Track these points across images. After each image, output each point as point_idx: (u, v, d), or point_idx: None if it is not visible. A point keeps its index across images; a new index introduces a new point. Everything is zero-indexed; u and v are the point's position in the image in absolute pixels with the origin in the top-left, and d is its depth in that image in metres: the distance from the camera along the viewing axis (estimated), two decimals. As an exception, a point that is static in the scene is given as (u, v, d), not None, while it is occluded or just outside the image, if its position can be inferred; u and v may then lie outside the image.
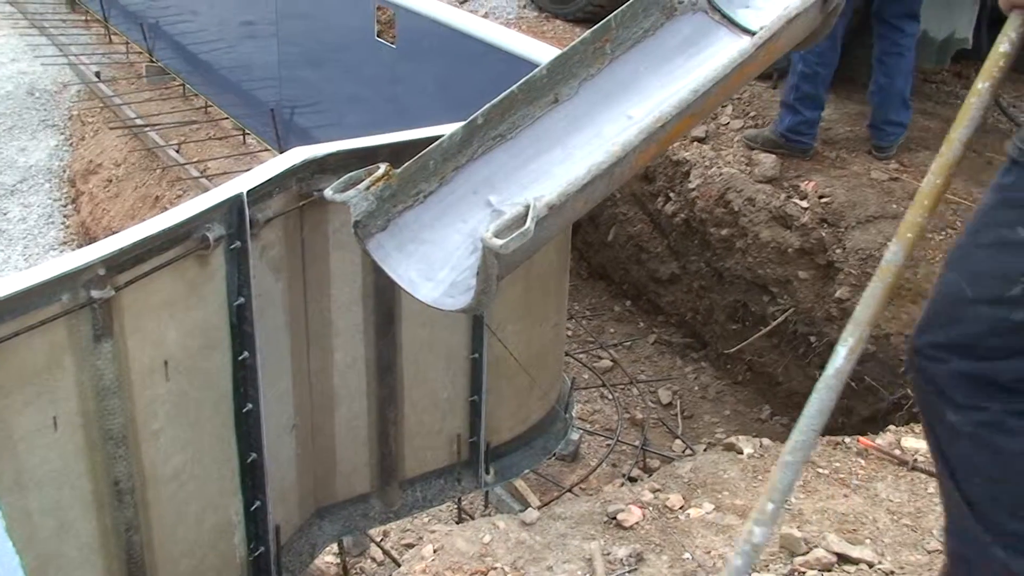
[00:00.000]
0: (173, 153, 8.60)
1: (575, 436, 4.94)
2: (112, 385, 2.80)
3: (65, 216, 9.47)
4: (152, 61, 10.34)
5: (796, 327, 5.11)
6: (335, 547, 4.36)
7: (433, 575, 2.44)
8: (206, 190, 7.93)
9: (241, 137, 8.86)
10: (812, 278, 4.99)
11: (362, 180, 2.95)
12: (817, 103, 5.35)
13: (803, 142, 5.38)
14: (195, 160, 8.49)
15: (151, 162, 8.82)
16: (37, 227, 9.26)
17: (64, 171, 9.95)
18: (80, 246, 9.02)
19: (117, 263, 2.71)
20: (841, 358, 2.17)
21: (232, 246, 3.08)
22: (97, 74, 10.50)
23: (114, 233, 7.03)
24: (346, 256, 3.56)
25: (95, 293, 2.65)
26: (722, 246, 5.43)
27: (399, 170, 2.98)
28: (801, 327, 5.08)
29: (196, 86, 9.68)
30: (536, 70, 3.25)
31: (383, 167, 2.97)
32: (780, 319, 5.10)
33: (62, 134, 10.43)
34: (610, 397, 5.58)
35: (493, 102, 3.16)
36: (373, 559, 4.51)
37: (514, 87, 3.20)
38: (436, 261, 2.99)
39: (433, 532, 2.74)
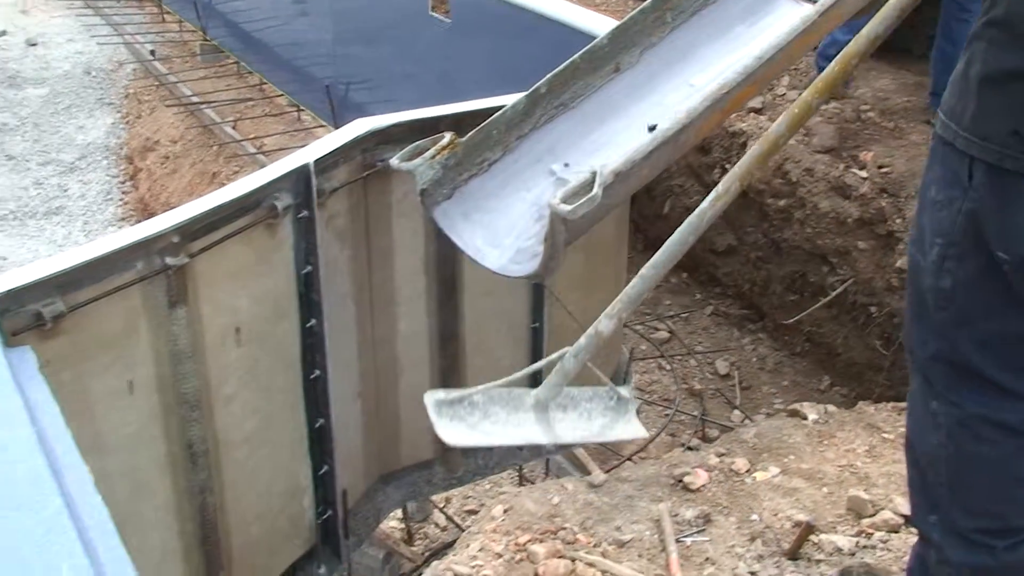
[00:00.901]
0: (229, 130, 8.70)
1: (635, 406, 4.96)
2: (186, 350, 2.86)
3: (123, 193, 9.61)
4: (206, 40, 10.45)
5: (856, 297, 5.08)
6: (399, 512, 4.42)
7: (503, 534, 2.48)
8: (262, 166, 8.03)
9: (296, 114, 8.94)
10: (872, 248, 4.96)
11: (427, 149, 2.99)
12: (850, 29, 5.23)
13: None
14: (251, 136, 8.58)
15: (207, 139, 8.93)
16: (96, 203, 9.41)
17: (121, 148, 10.10)
18: (139, 222, 9.15)
19: (190, 231, 2.76)
20: (707, 201, 2.58)
21: (300, 215, 3.13)
22: (152, 52, 10.63)
23: (173, 209, 7.11)
24: (409, 225, 3.60)
25: (169, 260, 2.72)
26: (780, 217, 5.41)
27: (464, 139, 3.02)
28: (861, 297, 5.05)
29: (250, 64, 9.76)
30: (597, 39, 3.27)
31: (448, 136, 3.00)
32: (839, 289, 5.08)
33: (118, 112, 10.59)
34: (667, 368, 5.60)
35: (555, 71, 3.18)
36: (436, 524, 4.58)
37: (576, 56, 3.22)
38: (501, 229, 3.02)
39: (503, 493, 2.77)
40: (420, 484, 4.14)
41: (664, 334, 5.90)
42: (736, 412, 5.24)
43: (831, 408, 3.11)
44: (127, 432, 2.80)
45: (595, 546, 2.45)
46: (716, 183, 5.86)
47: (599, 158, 3.13)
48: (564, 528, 2.51)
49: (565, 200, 2.51)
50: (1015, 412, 1.79)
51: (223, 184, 8.49)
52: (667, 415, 5.17)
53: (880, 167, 5.10)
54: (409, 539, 4.51)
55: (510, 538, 2.48)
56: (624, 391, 2.58)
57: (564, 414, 2.56)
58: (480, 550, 2.44)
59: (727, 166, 5.82)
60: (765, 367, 5.64)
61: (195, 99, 9.42)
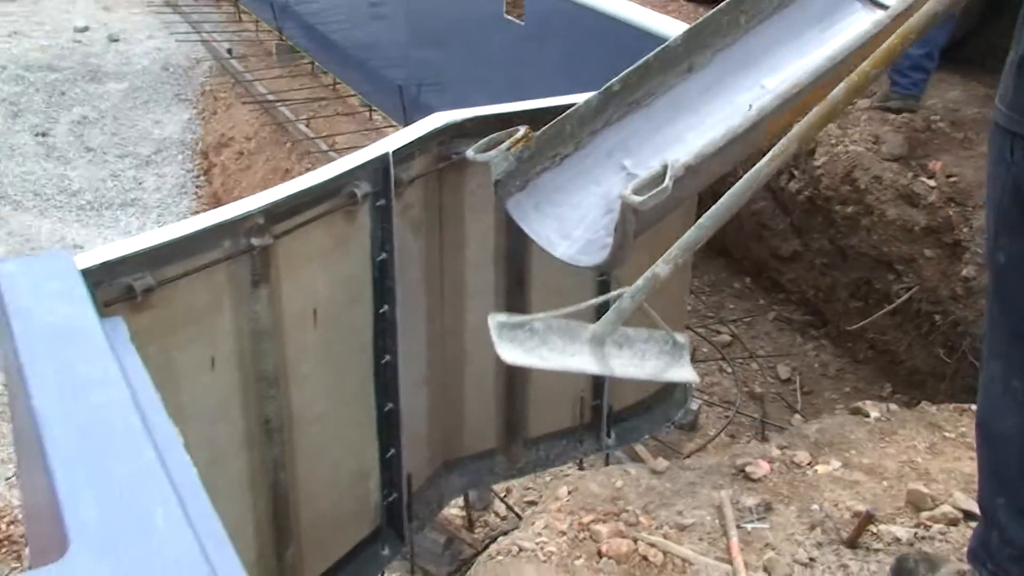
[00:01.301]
0: (303, 127, 8.87)
1: (694, 406, 5.01)
2: (267, 328, 2.97)
3: (197, 187, 9.84)
4: (281, 39, 10.65)
5: (920, 305, 5.09)
6: (460, 500, 4.51)
7: (568, 513, 2.56)
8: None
9: (367, 114, 9.09)
10: (938, 256, 4.96)
11: (503, 141, 3.09)
12: (923, 40, 5.22)
13: (899, 84, 5.34)
14: (324, 135, 8.74)
15: (281, 136, 9.11)
16: (171, 196, 9.64)
17: (196, 143, 10.33)
18: (211, 216, 9.35)
19: (275, 214, 2.87)
20: (764, 160, 2.60)
21: (377, 203, 3.23)
22: (229, 51, 10.87)
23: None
24: (481, 218, 3.69)
25: (255, 241, 2.83)
26: (846, 224, 5.43)
27: (537, 133, 3.11)
28: (926, 305, 5.06)
29: (324, 64, 9.94)
30: (671, 39, 3.35)
31: (523, 130, 3.10)
32: (904, 297, 5.08)
33: (194, 108, 10.83)
34: (729, 370, 5.63)
35: (629, 70, 3.26)
36: (496, 514, 4.66)
37: (650, 56, 3.30)
38: (571, 220, 3.11)
39: (567, 475, 2.85)
40: (482, 473, 4.22)
41: (726, 337, 5.94)
42: (797, 416, 5.26)
43: (893, 407, 3.14)
44: (207, 405, 2.91)
45: (657, 528, 2.52)
46: (783, 189, 5.90)
47: (669, 154, 3.20)
48: (627, 511, 2.58)
49: (636, 191, 2.59)
50: None
51: (295, 180, 8.69)
52: (727, 416, 5.21)
53: (949, 176, 5.11)
54: (470, 526, 4.60)
55: (574, 517, 2.55)
56: (680, 337, 2.65)
57: (619, 351, 2.64)
58: (545, 527, 2.52)
59: (795, 172, 5.86)
60: (827, 373, 5.65)
61: (270, 97, 9.62)
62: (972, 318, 4.80)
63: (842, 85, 2.49)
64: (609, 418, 4.34)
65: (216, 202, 9.34)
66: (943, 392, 4.95)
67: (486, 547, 4.53)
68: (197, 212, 9.52)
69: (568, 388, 4.21)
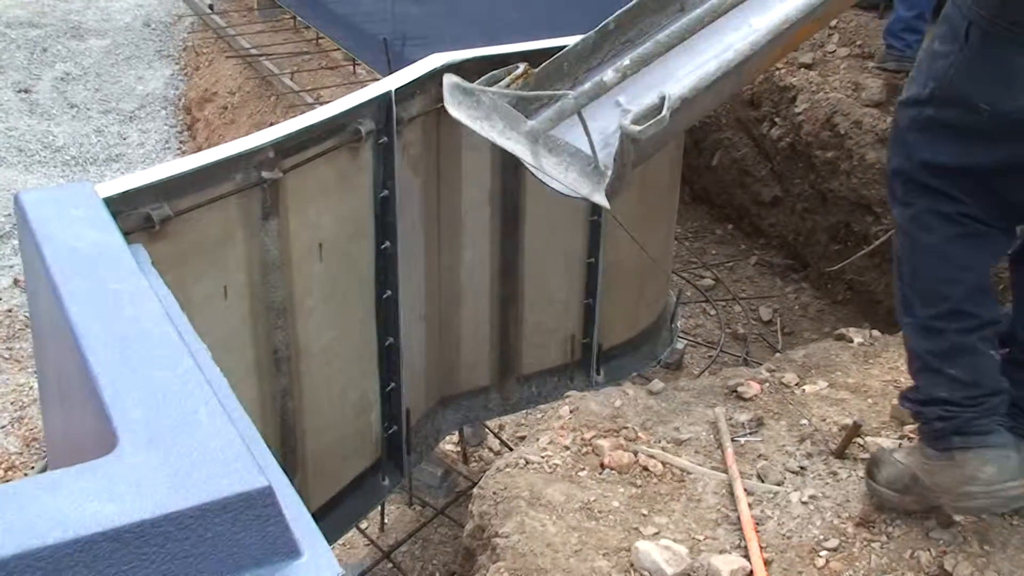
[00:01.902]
0: (288, 81, 8.91)
1: (680, 346, 5.15)
2: (276, 261, 3.08)
3: (181, 142, 9.86)
4: (264, -6, 10.65)
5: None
6: (455, 436, 4.64)
7: (571, 430, 2.68)
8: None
9: (351, 68, 9.13)
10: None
11: (502, 79, 3.18)
12: (914, 2, 5.37)
13: (894, 46, 5.47)
14: (308, 88, 8.78)
15: (265, 90, 9.14)
16: (155, 151, 9.66)
17: (180, 99, 10.34)
18: (196, 171, 9.40)
19: (284, 147, 2.97)
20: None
21: (380, 141, 3.33)
22: (211, 6, 10.85)
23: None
24: (477, 157, 3.79)
25: (265, 174, 2.92)
26: (827, 168, 5.56)
27: (536, 70, 3.20)
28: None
29: (307, 19, 9.96)
30: (664, -20, 3.44)
31: (522, 67, 3.19)
32: (884, 238, 5.22)
33: (177, 64, 10.83)
34: (712, 313, 5.78)
35: (624, 9, 3.35)
36: (490, 449, 4.79)
37: (644, -5, 3.39)
38: (569, 155, 3.21)
39: (569, 396, 2.98)
40: (476, 408, 4.34)
41: (709, 281, 6.08)
42: (778, 355, 5.41)
43: (875, 333, 3.28)
44: (220, 335, 3.01)
45: (655, 443, 2.65)
46: (765, 136, 6.02)
47: (660, 90, 3.31)
48: (626, 427, 2.71)
49: (635, 121, 2.69)
50: (950, 206, 2.23)
51: (280, 134, 8.74)
52: (711, 356, 5.35)
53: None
54: (465, 461, 4.73)
55: (576, 434, 2.68)
56: (603, 160, 2.71)
57: (548, 153, 2.75)
58: (549, 443, 2.65)
59: (776, 119, 5.98)
60: (807, 314, 5.81)
61: (253, 52, 9.64)
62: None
63: None
64: (598, 356, 4.47)
65: (201, 157, 9.37)
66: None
67: (482, 479, 4.68)
68: (181, 167, 9.55)
69: (560, 326, 4.33)
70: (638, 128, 2.65)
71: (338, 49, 9.43)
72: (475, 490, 2.61)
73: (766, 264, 6.25)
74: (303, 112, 8.56)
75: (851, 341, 3.21)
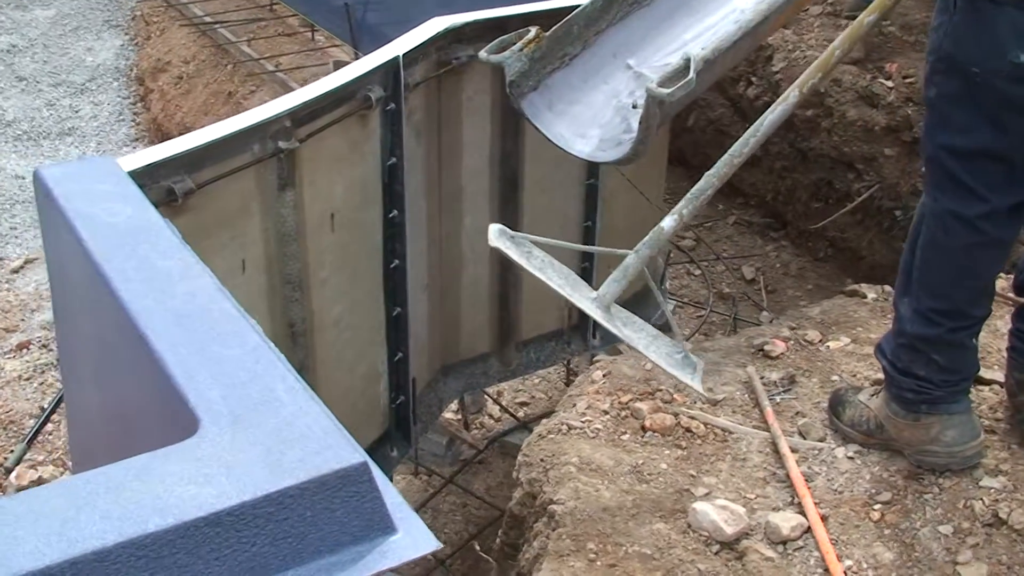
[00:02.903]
0: (246, 48, 8.75)
1: (669, 307, 5.17)
2: (292, 232, 3.03)
3: (135, 114, 9.66)
4: (213, -40, 10.43)
5: (881, 202, 5.29)
6: (455, 404, 4.63)
7: (607, 394, 2.68)
8: (283, 85, 8.11)
9: (309, 34, 8.99)
10: (898, 154, 5.15)
11: (513, 43, 3.14)
12: None
13: None
14: (267, 56, 8.64)
15: (221, 58, 8.98)
16: (109, 124, 9.46)
17: (131, 70, 10.13)
18: (152, 143, 9.24)
19: (299, 117, 2.92)
20: (770, 109, 2.75)
21: (387, 108, 3.28)
22: (159, -26, 10.62)
23: (190, 129, 7.27)
24: (477, 123, 3.75)
25: (282, 144, 2.87)
26: (806, 127, 5.59)
27: (547, 34, 3.17)
28: (886, 202, 5.26)
29: (260, -16, 9.78)
30: (667, -60, 3.42)
31: (534, 31, 3.16)
32: (866, 195, 5.28)
33: (126, 34, 10.59)
34: (696, 273, 5.80)
35: (631, -30, 3.33)
36: (490, 415, 4.79)
37: (648, -44, 3.37)
38: (584, 119, 3.19)
39: (599, 360, 2.97)
40: (477, 376, 4.33)
41: (690, 242, 6.10)
42: (764, 313, 5.46)
43: (887, 288, 3.31)
44: (238, 309, 2.96)
45: (692, 404, 2.66)
46: (741, 96, 6.03)
47: (670, 52, 3.30)
48: (660, 389, 2.71)
49: (662, 84, 2.68)
50: (973, 208, 2.25)
51: (240, 103, 8.60)
52: (700, 316, 5.38)
53: (905, 77, 5.28)
54: (466, 428, 4.72)
55: (613, 398, 2.68)
56: (691, 353, 2.55)
57: (624, 327, 2.65)
58: (588, 408, 2.64)
59: (752, 79, 5.99)
60: (789, 272, 5.85)
61: (207, 19, 9.45)
62: (933, 212, 5.01)
63: (841, 37, 2.64)
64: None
65: (157, 128, 9.19)
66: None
67: (487, 445, 4.68)
68: (137, 139, 9.38)
69: (557, 291, 4.32)
70: (667, 91, 2.64)
71: (294, 15, 9.28)
72: (520, 457, 2.60)
73: (745, 223, 6.28)
74: (263, 80, 8.43)
75: (864, 297, 3.24)
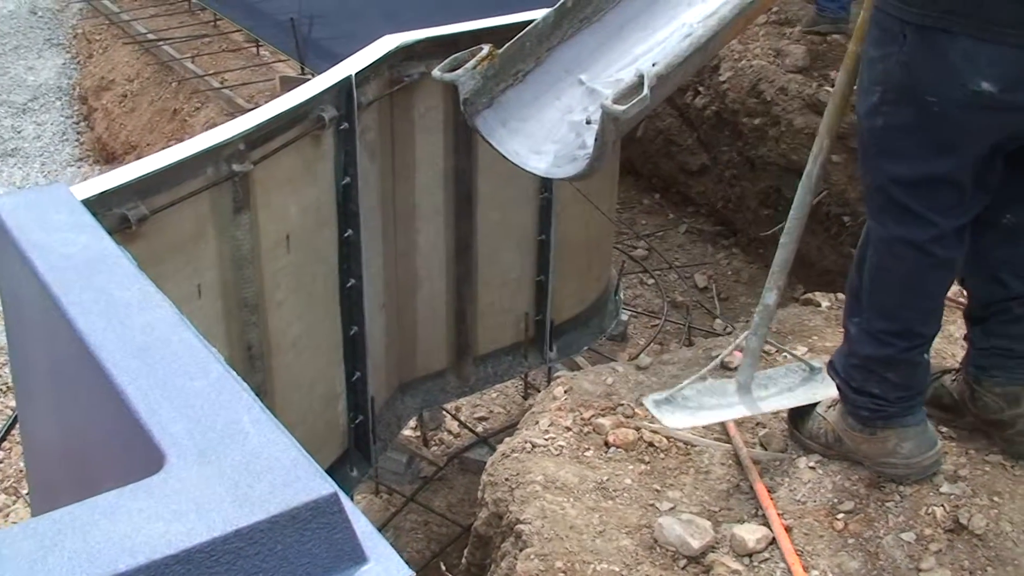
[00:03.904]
0: (191, 65, 8.68)
1: (624, 317, 5.20)
2: (248, 255, 3.01)
3: (79, 133, 9.54)
4: (155, -23, 10.34)
5: (829, 208, 5.35)
6: (413, 421, 4.61)
7: (569, 410, 2.69)
8: (229, 101, 8.05)
9: (254, 49, 8.94)
10: (845, 161, 5.21)
11: (466, 61, 3.14)
12: None
13: (828, 9, 5.56)
14: (211, 72, 8.57)
15: (165, 76, 8.89)
16: (52, 144, 9.34)
17: (74, 89, 10.00)
18: (97, 162, 9.13)
19: (253, 139, 2.90)
20: (810, 163, 2.77)
21: (341, 127, 3.27)
22: (100, -9, 10.51)
23: (135, 148, 7.17)
24: (430, 139, 3.75)
25: (236, 167, 2.85)
26: (755, 135, 5.65)
27: (500, 51, 3.18)
28: (834, 208, 5.32)
29: (203, 0, 9.71)
30: (616, -44, 3.44)
31: (487, 48, 3.16)
32: (814, 201, 5.32)
33: (68, 52, 10.46)
34: (649, 283, 5.84)
35: (580, -14, 3.34)
36: (449, 431, 4.78)
37: (598, -28, 3.39)
38: (539, 135, 3.20)
39: (560, 376, 2.98)
40: (435, 392, 4.33)
41: (642, 251, 6.14)
42: (718, 321, 5.51)
43: (841, 296, 3.35)
44: (194, 335, 2.93)
45: (653, 418, 2.67)
46: (689, 105, 6.07)
47: (621, 67, 3.32)
48: (622, 404, 2.72)
49: (617, 101, 2.69)
50: (923, 233, 2.25)
51: (185, 121, 8.53)
52: (654, 326, 5.41)
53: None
54: (425, 445, 4.71)
55: (575, 414, 2.68)
56: (815, 363, 2.76)
57: (766, 391, 2.73)
58: (550, 425, 2.65)
59: (700, 88, 6.05)
60: (740, 279, 5.91)
61: (151, 36, 9.36)
62: (881, 217, 5.08)
63: (842, 73, 2.66)
64: (551, 332, 4.49)
65: (101, 147, 9.08)
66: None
67: (448, 462, 4.67)
68: (81, 159, 9.26)
69: (513, 305, 4.33)
70: (622, 108, 2.65)
71: (239, 30, 9.22)
72: (484, 477, 2.59)
73: (696, 232, 6.33)
74: (209, 96, 8.35)
75: (819, 305, 3.27)
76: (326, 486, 1.44)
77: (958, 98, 2.10)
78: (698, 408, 2.61)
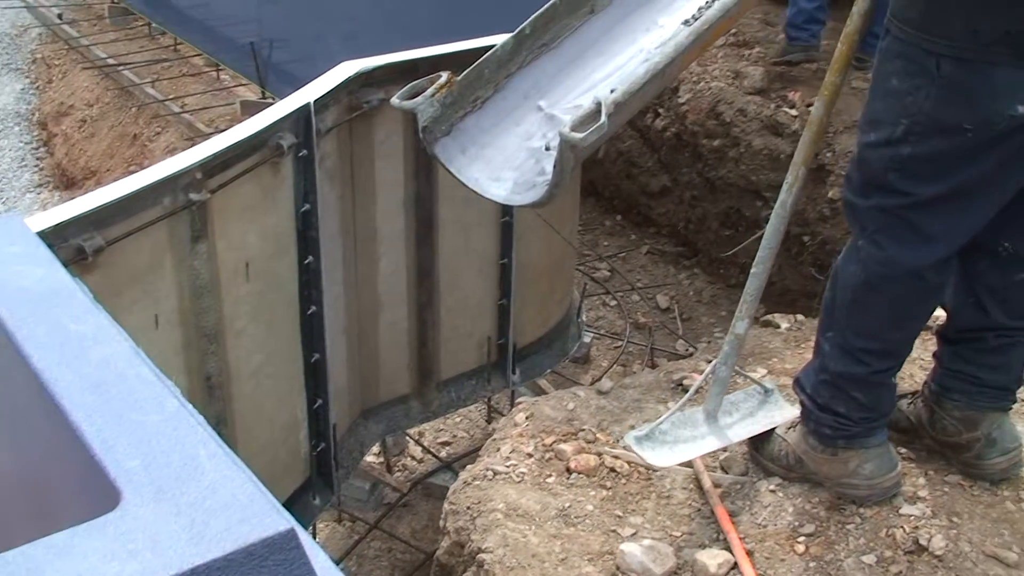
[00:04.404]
0: (150, 90, 8.64)
1: (587, 339, 5.21)
2: (207, 284, 2.99)
3: (38, 159, 9.48)
4: (114, 2, 10.30)
5: (789, 228, 5.38)
6: (376, 448, 4.59)
7: (530, 436, 2.68)
8: (189, 126, 8.02)
9: (215, 73, 8.92)
10: (804, 182, 5.26)
11: (425, 88, 3.15)
12: None
13: (799, 38, 5.58)
14: (172, 97, 8.54)
15: (125, 101, 8.86)
16: (11, 170, 9.27)
17: (33, 114, 9.93)
18: (56, 188, 9.06)
19: (210, 167, 2.89)
20: (784, 192, 2.73)
21: (300, 154, 3.26)
22: (59, 16, 10.45)
23: (94, 174, 7.13)
24: (390, 165, 3.75)
25: (193, 196, 2.84)
26: (714, 156, 5.68)
27: (459, 78, 3.19)
28: (794, 228, 5.35)
29: (163, 25, 9.68)
30: (574, -18, 3.46)
31: (445, 75, 3.16)
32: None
33: (27, 77, 10.40)
34: (612, 304, 5.85)
35: (538, 13, 3.36)
36: (412, 457, 4.76)
37: (555, -1, 3.41)
38: (498, 162, 3.21)
39: (521, 402, 2.98)
40: (398, 418, 4.31)
41: (605, 273, 6.16)
42: (680, 342, 5.52)
43: (800, 317, 3.38)
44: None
45: (615, 443, 2.68)
46: (649, 127, 6.10)
47: (580, 93, 3.34)
48: (583, 429, 2.72)
49: (575, 129, 2.70)
50: (925, 255, 2.27)
51: (145, 146, 8.48)
52: (618, 347, 5.43)
53: (808, 105, 5.40)
54: (388, 471, 4.69)
55: (536, 440, 2.68)
56: (767, 384, 2.78)
57: (731, 418, 2.73)
58: (512, 451, 2.64)
59: (660, 110, 6.08)
60: (702, 300, 5.94)
61: (111, 61, 9.31)
62: (839, 236, 5.12)
63: (818, 103, 2.66)
64: (514, 356, 4.49)
65: (61, 173, 9.02)
66: (815, 308, 5.27)
67: (411, 488, 4.65)
68: (41, 185, 9.18)
69: (476, 329, 4.33)
70: (580, 135, 2.66)
71: (199, 54, 9.20)
72: (446, 505, 2.58)
73: (658, 252, 6.36)
74: (169, 121, 8.32)
75: (778, 327, 3.30)
76: (283, 522, 1.43)
77: (995, 122, 2.12)
78: (675, 442, 2.61)
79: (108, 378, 1.84)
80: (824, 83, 2.66)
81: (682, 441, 2.73)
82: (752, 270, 2.76)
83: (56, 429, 1.70)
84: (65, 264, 2.49)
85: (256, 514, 1.47)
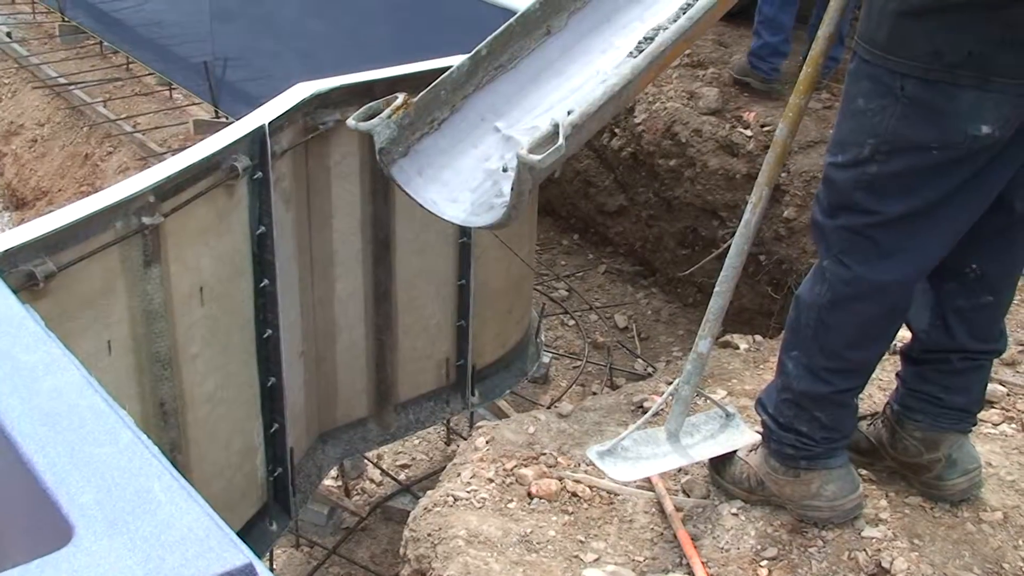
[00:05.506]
0: (102, 109, 8.54)
1: (546, 359, 5.20)
2: (160, 309, 2.95)
3: (-12, 179, 9.32)
4: (65, 20, 10.18)
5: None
6: (335, 471, 4.55)
7: (491, 461, 2.66)
8: (142, 145, 7.93)
9: (167, 92, 8.83)
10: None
11: (382, 110, 3.13)
12: (778, 27, 5.52)
13: (761, 68, 5.62)
14: (124, 116, 8.45)
15: (77, 120, 8.75)
16: (-41, 191, 9.11)
17: (-18, 134, 9.78)
18: (7, 208, 8.92)
19: (163, 191, 2.85)
20: (748, 212, 2.79)
21: (254, 176, 3.23)
22: (8, 34, 10.31)
23: (45, 194, 7.04)
24: (346, 186, 3.72)
25: (146, 219, 2.79)
26: (670, 176, 5.71)
27: (415, 99, 3.17)
28: (751, 248, 5.38)
29: (115, 43, 9.57)
30: (530, 4, 3.46)
31: (401, 97, 3.14)
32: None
33: (-25, 96, 10.23)
34: (570, 324, 5.85)
35: (494, 34, 3.35)
36: (371, 480, 4.71)
37: (512, 20, 3.40)
38: (455, 184, 3.19)
39: (481, 427, 2.95)
40: (356, 441, 4.27)
41: (563, 292, 6.16)
42: (639, 362, 5.53)
43: (758, 338, 3.39)
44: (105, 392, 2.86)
45: (576, 467, 2.66)
46: (606, 147, 6.12)
47: (538, 115, 3.33)
48: (544, 453, 2.70)
49: (532, 151, 2.69)
50: (892, 272, 2.28)
51: (97, 166, 8.38)
52: (576, 367, 5.42)
53: (763, 126, 5.44)
54: (347, 495, 4.64)
55: (497, 464, 2.66)
56: (729, 408, 2.78)
57: (692, 438, 2.73)
58: (472, 476, 2.62)
59: (616, 130, 6.10)
60: (660, 319, 5.95)
61: (61, 80, 9.20)
62: (796, 255, 5.16)
63: (783, 124, 2.68)
64: (473, 377, 4.47)
65: (12, 194, 8.88)
66: (772, 327, 5.30)
67: (370, 512, 4.60)
68: (-10, 206, 9.03)
69: (434, 351, 4.31)
70: (538, 158, 2.65)
71: (151, 74, 9.11)
72: (407, 532, 2.55)
73: (615, 272, 6.37)
74: (121, 141, 8.22)
75: (737, 348, 3.30)
76: (240, 556, 1.40)
77: (959, 142, 2.14)
78: (637, 458, 2.60)
79: (60, 409, 1.80)
80: (788, 104, 2.67)
81: (644, 458, 2.72)
82: (716, 289, 2.78)
83: (6, 462, 1.65)
84: (15, 291, 2.45)
85: (212, 548, 1.44)
